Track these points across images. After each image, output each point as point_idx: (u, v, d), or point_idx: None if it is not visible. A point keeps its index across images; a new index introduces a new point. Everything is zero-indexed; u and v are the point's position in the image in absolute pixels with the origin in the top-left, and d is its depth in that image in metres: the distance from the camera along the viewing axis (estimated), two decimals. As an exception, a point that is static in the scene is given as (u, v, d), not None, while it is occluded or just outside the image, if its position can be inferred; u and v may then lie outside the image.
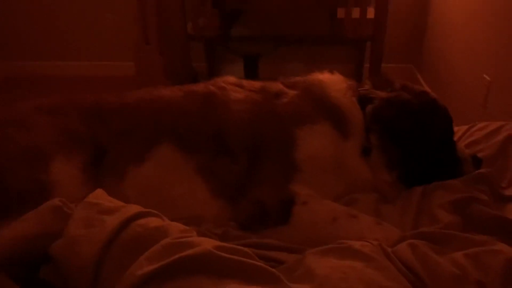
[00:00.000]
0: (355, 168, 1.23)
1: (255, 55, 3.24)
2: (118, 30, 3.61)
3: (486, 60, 2.28)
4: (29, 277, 0.85)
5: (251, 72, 3.22)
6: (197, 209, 1.19)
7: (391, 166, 1.22)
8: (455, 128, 1.55)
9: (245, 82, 1.36)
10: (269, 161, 1.20)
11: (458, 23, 2.71)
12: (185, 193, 1.19)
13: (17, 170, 1.06)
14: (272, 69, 3.29)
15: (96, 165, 1.19)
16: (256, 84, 1.36)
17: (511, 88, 2.03)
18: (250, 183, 1.19)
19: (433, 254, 0.89)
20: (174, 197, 1.19)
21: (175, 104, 1.28)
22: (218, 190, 1.19)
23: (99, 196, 0.94)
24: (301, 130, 1.21)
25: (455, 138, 1.45)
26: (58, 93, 1.37)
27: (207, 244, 0.78)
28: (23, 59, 3.76)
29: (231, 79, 1.37)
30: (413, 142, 1.21)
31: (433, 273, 0.85)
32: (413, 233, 1.01)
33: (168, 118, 1.25)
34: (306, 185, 1.17)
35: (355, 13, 2.96)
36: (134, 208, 0.88)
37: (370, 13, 2.95)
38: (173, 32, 3.15)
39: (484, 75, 2.25)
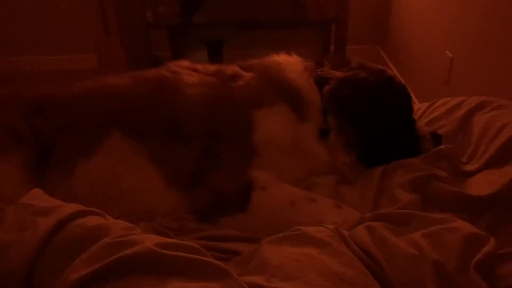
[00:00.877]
0: (313, 150, 1.20)
1: (218, 41, 3.16)
2: (77, 22, 3.46)
3: (448, 37, 2.28)
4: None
5: (215, 59, 3.14)
6: (151, 201, 1.14)
7: (349, 147, 1.18)
8: (418, 106, 1.53)
9: (199, 66, 1.31)
10: (226, 146, 1.15)
11: (422, 2, 2.69)
12: (138, 185, 1.13)
13: None
14: (237, 54, 3.20)
15: (42, 163, 1.12)
16: (211, 67, 1.30)
17: (471, 63, 2.03)
18: (206, 170, 1.14)
19: (390, 236, 0.86)
20: (126, 190, 1.13)
21: (124, 91, 1.22)
22: (172, 179, 1.14)
23: (35, 196, 0.87)
24: (258, 113, 1.17)
25: (418, 116, 1.43)
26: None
27: (148, 241, 0.73)
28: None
29: (185, 63, 1.31)
30: (371, 121, 1.17)
31: (390, 255, 0.82)
32: (372, 215, 0.99)
33: (116, 106, 1.19)
34: (264, 169, 1.13)
35: (318, -6, 2.94)
36: (72, 208, 0.82)
37: (333, -6, 2.92)
38: (132, 22, 3.05)
39: (446, 52, 2.24)
